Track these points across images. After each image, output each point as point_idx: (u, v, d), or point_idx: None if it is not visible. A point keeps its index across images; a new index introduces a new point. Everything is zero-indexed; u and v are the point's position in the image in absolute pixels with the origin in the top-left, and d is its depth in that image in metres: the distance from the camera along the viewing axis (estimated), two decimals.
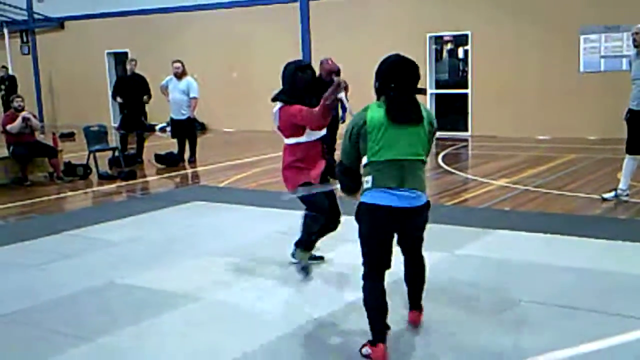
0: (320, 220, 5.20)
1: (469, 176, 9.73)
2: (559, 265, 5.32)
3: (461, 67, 15.68)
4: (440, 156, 11.76)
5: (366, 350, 3.74)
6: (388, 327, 3.81)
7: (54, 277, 5.45)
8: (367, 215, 3.64)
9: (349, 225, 6.82)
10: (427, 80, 14.82)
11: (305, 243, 5.31)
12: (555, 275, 5.12)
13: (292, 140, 5.22)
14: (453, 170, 10.20)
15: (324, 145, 5.32)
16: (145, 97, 12.03)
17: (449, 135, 14.44)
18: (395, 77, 3.65)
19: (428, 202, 3.79)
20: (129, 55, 18.50)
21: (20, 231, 7.11)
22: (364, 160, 3.66)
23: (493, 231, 6.40)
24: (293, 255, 5.45)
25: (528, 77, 13.72)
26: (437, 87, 15.10)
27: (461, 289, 4.90)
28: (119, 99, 12.08)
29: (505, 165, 10.40)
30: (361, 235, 3.73)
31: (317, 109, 4.85)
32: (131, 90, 11.96)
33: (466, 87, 14.64)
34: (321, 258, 5.69)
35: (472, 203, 7.98)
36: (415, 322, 4.17)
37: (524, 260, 5.50)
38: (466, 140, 13.98)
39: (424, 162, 3.71)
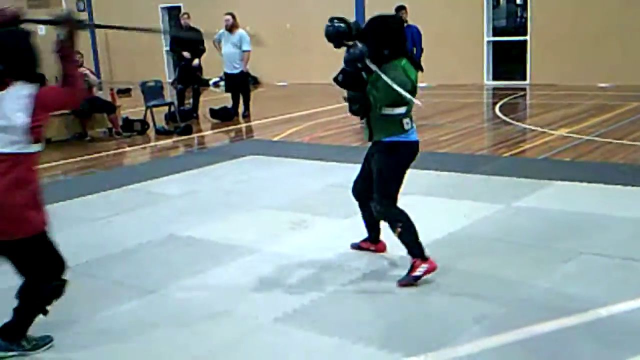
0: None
1: (527, 126, 9.50)
2: (619, 216, 5.19)
3: (519, 13, 15.17)
4: (497, 106, 11.51)
5: (422, 268, 4.10)
6: None
7: (116, 231, 5.60)
8: (406, 151, 4.12)
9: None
10: (484, 27, 14.42)
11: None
12: (616, 226, 5.00)
13: None
14: (510, 121, 9.98)
15: None
16: (202, 47, 11.96)
17: (506, 85, 14.10)
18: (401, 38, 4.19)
19: None
20: (182, 9, 18.59)
21: (82, 186, 7.31)
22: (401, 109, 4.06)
23: (552, 182, 6.27)
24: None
25: (589, 22, 13.19)
26: (494, 35, 14.68)
27: (519, 240, 4.83)
28: (186, 54, 11.92)
29: (565, 115, 10.11)
30: (393, 168, 4.15)
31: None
32: (187, 43, 11.99)
33: (525, 34, 14.19)
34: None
35: (531, 154, 7.81)
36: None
37: (583, 212, 5.38)
38: (524, 89, 13.62)
39: None
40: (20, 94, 3.15)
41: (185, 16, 12.31)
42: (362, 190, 4.44)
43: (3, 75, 3.15)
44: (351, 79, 4.00)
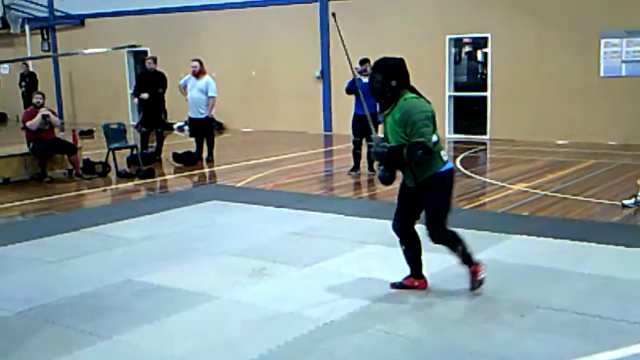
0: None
1: (487, 180, 9.68)
2: (577, 272, 5.28)
3: (480, 70, 15.60)
4: (458, 159, 11.71)
5: (482, 271, 4.80)
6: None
7: (72, 274, 5.49)
8: (450, 178, 4.66)
9: (368, 228, 6.83)
10: (445, 82, 14.77)
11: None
12: (574, 281, 5.08)
13: None
14: (471, 174, 10.16)
15: None
16: (160, 90, 12.04)
17: (467, 139, 14.38)
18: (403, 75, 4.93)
19: None
20: (149, 53, 18.66)
21: (39, 227, 7.17)
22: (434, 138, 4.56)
23: (511, 236, 6.37)
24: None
25: (548, 80, 13.62)
26: (455, 90, 15.04)
27: (477, 293, 4.87)
28: (144, 95, 11.99)
29: (524, 170, 10.33)
30: (445, 196, 4.68)
31: None
32: (152, 87, 12.02)
33: (485, 90, 14.57)
34: None
35: (490, 207, 7.94)
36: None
37: (540, 266, 5.46)
38: (484, 143, 13.91)
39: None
40: None
41: (150, 60, 12.35)
42: (406, 227, 4.91)
43: None
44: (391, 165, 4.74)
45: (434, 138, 4.52)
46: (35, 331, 4.34)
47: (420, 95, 4.74)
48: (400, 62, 4.85)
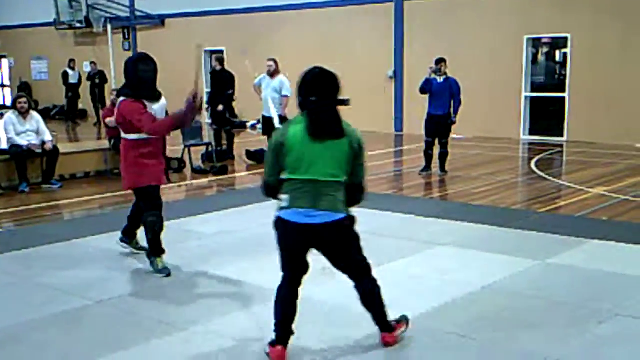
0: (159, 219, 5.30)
1: (563, 183, 9.41)
2: None
3: (558, 70, 15.17)
4: (533, 161, 11.44)
5: (266, 348, 3.82)
6: (292, 333, 3.83)
7: (147, 266, 5.65)
8: (280, 229, 3.69)
9: (438, 228, 6.74)
10: (522, 82, 14.46)
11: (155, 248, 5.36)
12: None
13: (133, 136, 5.17)
14: (547, 176, 9.90)
15: (164, 141, 5.42)
16: (230, 91, 12.25)
17: (543, 140, 14.02)
18: (316, 90, 3.57)
19: (344, 219, 3.65)
20: (225, 53, 19.00)
21: (116, 220, 7.39)
22: (285, 175, 3.63)
23: (588, 241, 6.18)
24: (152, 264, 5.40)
25: (629, 82, 13.12)
26: (532, 90, 14.69)
27: (552, 298, 4.75)
28: (219, 108, 12.21)
29: (602, 173, 10.00)
30: (278, 244, 3.76)
31: (166, 120, 5.02)
32: (219, 86, 12.22)
33: (563, 91, 14.17)
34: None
35: (566, 211, 7.71)
36: (388, 343, 3.98)
37: (619, 273, 5.28)
38: (561, 145, 13.53)
39: (341, 183, 3.61)
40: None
41: (216, 62, 12.55)
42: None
43: None
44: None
45: (284, 175, 3.62)
46: (115, 320, 4.49)
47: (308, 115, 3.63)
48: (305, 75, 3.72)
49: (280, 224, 3.66)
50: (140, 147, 5.17)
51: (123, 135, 5.27)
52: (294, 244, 3.69)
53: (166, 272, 5.33)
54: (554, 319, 4.40)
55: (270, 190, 3.72)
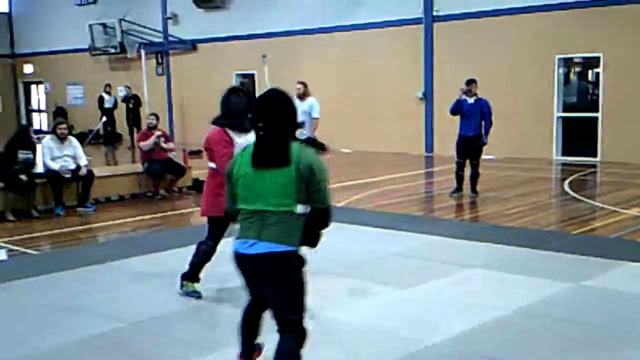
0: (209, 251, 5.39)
1: (598, 204, 9.27)
2: None
3: (591, 90, 15.02)
4: (566, 182, 11.30)
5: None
6: (254, 349, 3.84)
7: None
8: (233, 259, 3.47)
9: (469, 250, 6.70)
10: (554, 102, 14.34)
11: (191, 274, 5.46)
12: None
13: (214, 165, 5.33)
14: (580, 197, 9.77)
15: None
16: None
17: (576, 161, 13.86)
18: (260, 116, 3.36)
19: (286, 252, 3.32)
20: (256, 77, 19.22)
21: (150, 243, 7.49)
22: (238, 204, 3.45)
23: (624, 263, 6.07)
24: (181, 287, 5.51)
25: None
26: (564, 111, 14.55)
27: (587, 323, 4.67)
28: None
29: (637, 194, 9.83)
30: None
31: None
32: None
33: (596, 111, 14.01)
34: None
35: (601, 232, 7.59)
36: None
37: None
38: (595, 166, 13.35)
39: (291, 213, 3.32)
40: None
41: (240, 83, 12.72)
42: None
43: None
44: None
45: (240, 204, 3.43)
46: (148, 343, 4.54)
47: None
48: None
49: (233, 254, 3.46)
50: (220, 176, 5.17)
51: (208, 163, 5.44)
52: (242, 274, 3.47)
53: (196, 295, 5.39)
54: (588, 343, 4.33)
55: (232, 218, 3.59)
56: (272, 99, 3.41)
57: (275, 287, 3.37)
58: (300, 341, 3.41)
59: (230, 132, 5.31)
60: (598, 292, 5.34)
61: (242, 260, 3.39)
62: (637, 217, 8.22)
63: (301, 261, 3.41)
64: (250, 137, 5.31)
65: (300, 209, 3.33)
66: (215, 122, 5.42)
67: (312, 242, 3.47)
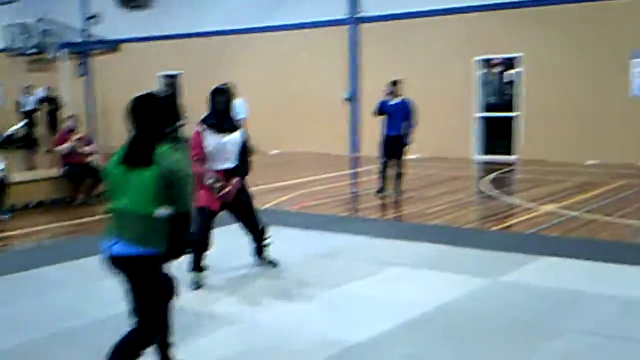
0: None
1: (515, 201, 9.60)
2: (606, 294, 5.20)
3: (509, 91, 15.53)
4: (486, 180, 11.64)
5: None
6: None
7: (101, 295, 5.56)
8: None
9: (394, 249, 6.81)
10: (474, 103, 14.74)
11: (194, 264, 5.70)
12: (603, 304, 5.01)
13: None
14: (499, 195, 10.08)
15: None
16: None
17: (495, 159, 14.29)
18: (131, 117, 3.49)
19: (143, 255, 3.40)
20: (181, 77, 18.97)
21: (69, 250, 7.27)
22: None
23: (539, 258, 6.29)
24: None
25: (577, 101, 13.51)
26: (484, 110, 14.98)
27: (505, 316, 4.83)
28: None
29: (553, 191, 10.22)
30: None
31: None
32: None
33: (514, 111, 14.49)
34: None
35: (518, 229, 7.86)
36: None
37: (570, 289, 5.39)
38: (513, 164, 13.81)
39: (149, 216, 3.36)
40: None
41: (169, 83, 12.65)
42: None
43: None
44: None
45: (110, 202, 3.54)
46: (62, 355, 4.40)
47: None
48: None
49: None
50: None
51: None
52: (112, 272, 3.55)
53: (195, 285, 5.64)
54: (507, 336, 4.47)
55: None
56: (142, 101, 3.50)
57: (130, 287, 3.48)
58: (141, 341, 3.51)
59: (206, 133, 5.52)
60: (516, 286, 5.52)
61: (106, 260, 3.49)
62: (552, 213, 8.55)
63: (158, 265, 3.49)
64: (230, 137, 5.45)
65: (160, 212, 3.37)
66: (202, 120, 5.64)
67: (174, 247, 3.49)
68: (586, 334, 4.43)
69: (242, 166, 5.84)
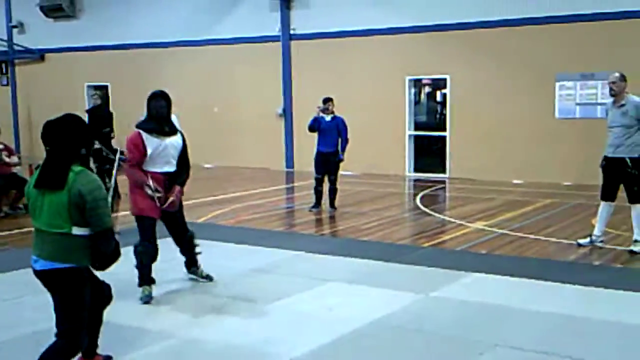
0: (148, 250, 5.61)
1: (447, 218, 9.80)
2: (534, 310, 5.35)
3: (439, 110, 15.90)
4: (418, 197, 11.84)
5: None
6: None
7: (25, 312, 5.36)
8: None
9: (328, 265, 6.83)
10: (405, 122, 15.00)
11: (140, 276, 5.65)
12: (531, 319, 5.14)
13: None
14: (430, 212, 10.27)
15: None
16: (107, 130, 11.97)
17: (426, 177, 14.56)
18: (44, 140, 3.66)
19: (61, 269, 3.60)
20: (110, 88, 18.59)
21: None
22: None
23: (469, 274, 6.43)
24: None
25: (505, 121, 13.93)
26: (415, 129, 15.27)
27: (435, 331, 4.90)
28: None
29: (482, 208, 10.49)
30: None
31: (132, 176, 5.61)
32: (96, 122, 11.75)
33: (444, 130, 14.83)
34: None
35: (449, 245, 8.02)
36: None
37: (499, 304, 5.52)
38: (444, 182, 14.11)
39: (66, 234, 3.56)
40: None
41: (95, 96, 12.52)
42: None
43: None
44: None
45: (32, 221, 3.75)
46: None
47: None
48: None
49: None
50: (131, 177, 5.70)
51: None
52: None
53: (146, 298, 5.60)
54: (436, 352, 4.54)
55: None
56: (57, 124, 3.65)
57: (54, 298, 3.68)
58: (65, 349, 3.68)
59: (146, 136, 5.50)
60: (446, 302, 5.62)
61: (34, 272, 3.68)
62: (481, 230, 8.76)
63: (80, 277, 3.66)
64: (171, 140, 5.37)
65: (77, 230, 3.57)
66: (137, 125, 5.64)
67: (100, 263, 3.76)
68: (515, 349, 4.53)
69: (185, 173, 5.83)
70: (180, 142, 5.77)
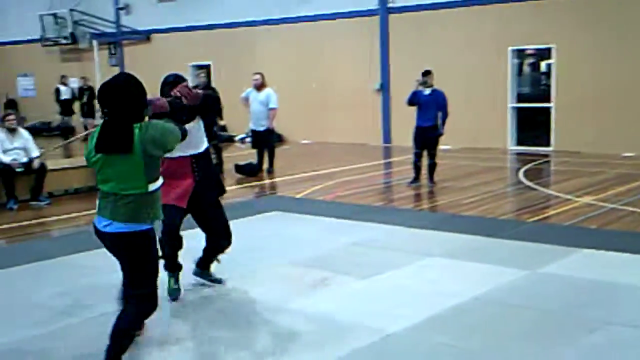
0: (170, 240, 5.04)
1: (552, 192, 9.45)
2: None
3: (543, 81, 15.29)
4: (521, 171, 11.49)
5: None
6: None
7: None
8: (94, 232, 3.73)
9: (428, 239, 6.76)
10: (508, 93, 14.55)
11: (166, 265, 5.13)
12: None
13: None
14: (535, 186, 9.94)
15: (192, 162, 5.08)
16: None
17: (530, 150, 14.10)
18: (103, 102, 3.52)
19: (135, 232, 3.55)
20: (212, 68, 19.03)
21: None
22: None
23: (578, 250, 6.19)
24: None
25: (613, 91, 13.24)
26: (518, 101, 14.78)
27: (542, 309, 4.76)
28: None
29: (590, 182, 10.05)
30: None
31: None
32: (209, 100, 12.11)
33: (548, 101, 14.27)
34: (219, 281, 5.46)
35: (556, 220, 7.74)
36: None
37: (610, 281, 5.29)
38: (548, 155, 13.61)
39: (141, 195, 3.53)
40: None
41: (202, 75, 12.67)
42: None
43: None
44: None
45: (98, 184, 3.71)
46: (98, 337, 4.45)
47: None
48: None
49: (93, 226, 3.70)
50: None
51: None
52: (103, 245, 3.72)
53: (176, 293, 5.20)
54: (545, 328, 4.41)
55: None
56: (114, 85, 3.51)
57: (125, 263, 3.65)
58: (140, 312, 3.69)
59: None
60: (554, 278, 5.44)
61: (99, 235, 3.66)
62: (590, 205, 8.40)
63: (150, 239, 3.61)
64: (191, 124, 5.25)
65: (153, 186, 3.57)
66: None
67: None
68: (628, 327, 4.35)
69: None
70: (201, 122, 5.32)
